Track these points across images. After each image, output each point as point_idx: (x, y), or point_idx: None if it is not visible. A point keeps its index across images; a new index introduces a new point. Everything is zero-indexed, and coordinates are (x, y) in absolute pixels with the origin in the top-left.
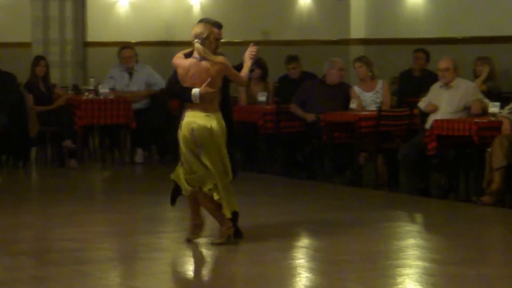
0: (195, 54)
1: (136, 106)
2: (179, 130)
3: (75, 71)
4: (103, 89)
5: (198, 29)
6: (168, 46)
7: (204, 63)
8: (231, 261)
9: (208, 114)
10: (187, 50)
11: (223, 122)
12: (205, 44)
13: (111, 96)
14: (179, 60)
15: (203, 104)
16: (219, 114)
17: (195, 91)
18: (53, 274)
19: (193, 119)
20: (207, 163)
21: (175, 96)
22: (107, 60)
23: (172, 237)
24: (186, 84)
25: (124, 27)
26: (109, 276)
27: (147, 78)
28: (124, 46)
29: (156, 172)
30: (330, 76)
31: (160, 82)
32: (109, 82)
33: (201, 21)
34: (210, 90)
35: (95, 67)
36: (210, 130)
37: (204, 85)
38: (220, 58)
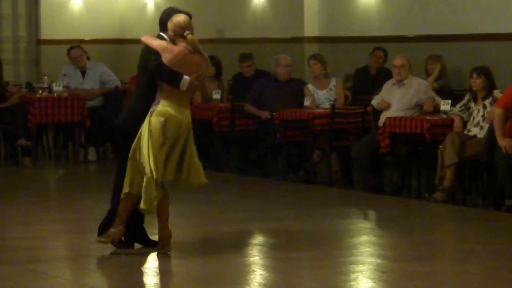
0: (185, 44)
1: (90, 104)
2: (148, 117)
3: (29, 69)
4: (57, 87)
5: (186, 20)
6: (122, 43)
7: (196, 56)
8: (184, 259)
9: (181, 108)
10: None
11: (190, 118)
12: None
13: (65, 94)
14: (166, 43)
15: (181, 95)
16: (188, 111)
17: (186, 78)
18: (6, 273)
19: (168, 109)
20: (172, 155)
21: (163, 77)
22: (61, 58)
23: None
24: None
25: (77, 24)
26: (63, 275)
27: (101, 75)
28: (72, 46)
29: (110, 170)
30: (278, 73)
31: (114, 80)
32: (63, 80)
33: (171, 9)
34: (198, 83)
35: (48, 64)
36: (180, 123)
37: (195, 75)
38: (207, 57)
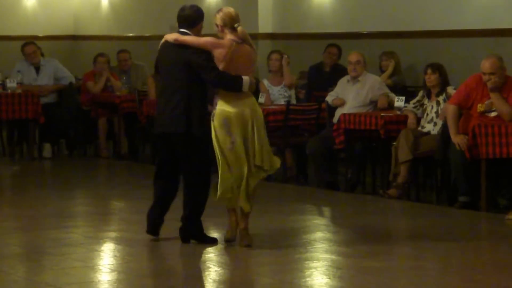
0: (232, 37)
1: (44, 100)
2: (211, 123)
3: None
4: (11, 84)
5: (232, 12)
6: (76, 40)
7: (244, 46)
8: (140, 256)
9: (241, 100)
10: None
11: (257, 107)
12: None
13: (19, 91)
14: (213, 39)
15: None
16: (250, 100)
17: (246, 79)
18: None
19: (225, 109)
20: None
21: (226, 86)
22: (15, 54)
23: (81, 232)
24: (222, 66)
25: (31, 21)
26: (17, 272)
27: (55, 72)
28: (26, 42)
29: (64, 166)
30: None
31: (68, 76)
32: (16, 76)
33: (197, 6)
34: (254, 79)
35: (2, 61)
36: (242, 116)
37: (252, 73)
38: (255, 48)
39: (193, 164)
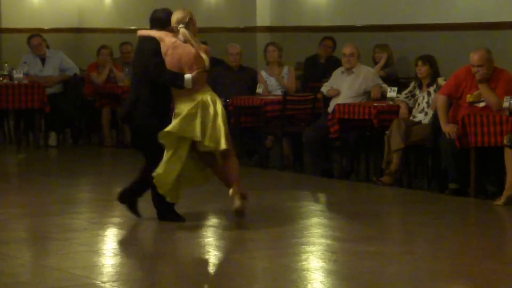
0: (180, 37)
1: (49, 90)
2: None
3: None
4: (17, 75)
5: (179, 14)
6: (80, 32)
7: (189, 46)
8: (141, 240)
9: (193, 96)
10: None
11: (210, 96)
12: (189, 28)
13: (25, 81)
14: (163, 35)
15: (189, 89)
16: (206, 89)
17: (188, 77)
18: None
19: (182, 108)
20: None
21: (167, 83)
22: (21, 46)
23: (85, 218)
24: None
25: (37, 14)
26: (23, 256)
27: (60, 63)
28: (32, 34)
29: (69, 155)
30: (229, 62)
31: (72, 67)
32: (23, 68)
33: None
34: (200, 76)
35: (9, 52)
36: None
37: (196, 72)
38: (204, 46)
39: None
